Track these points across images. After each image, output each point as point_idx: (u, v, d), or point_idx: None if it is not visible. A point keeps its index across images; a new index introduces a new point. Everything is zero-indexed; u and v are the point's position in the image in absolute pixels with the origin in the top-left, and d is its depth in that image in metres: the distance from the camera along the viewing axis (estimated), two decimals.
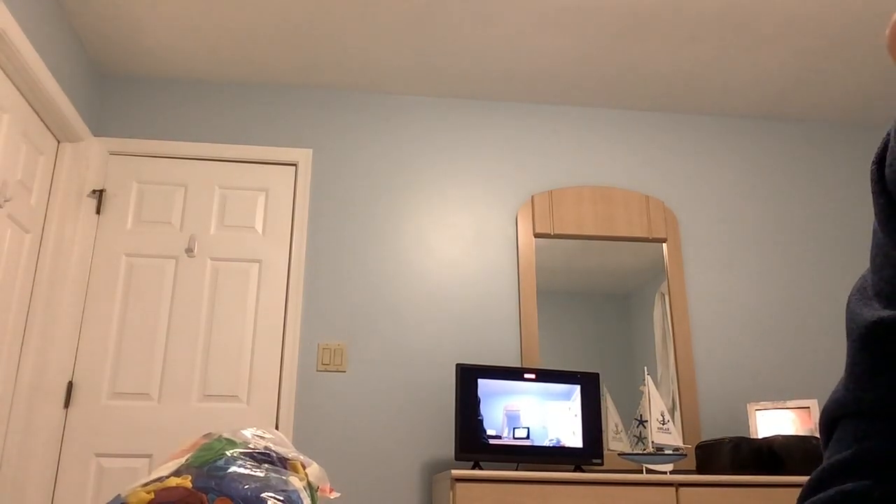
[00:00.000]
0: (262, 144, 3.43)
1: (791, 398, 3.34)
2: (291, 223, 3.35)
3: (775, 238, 3.63)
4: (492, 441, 2.82)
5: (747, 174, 3.72)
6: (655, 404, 2.92)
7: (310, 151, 3.44)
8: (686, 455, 2.84)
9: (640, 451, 2.86)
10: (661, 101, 3.67)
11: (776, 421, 3.08)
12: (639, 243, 3.51)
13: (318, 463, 2.93)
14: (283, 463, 1.02)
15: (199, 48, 3.26)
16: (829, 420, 0.54)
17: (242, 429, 1.08)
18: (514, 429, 2.86)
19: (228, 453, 0.99)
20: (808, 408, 3.05)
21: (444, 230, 3.42)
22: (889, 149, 0.52)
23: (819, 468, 0.52)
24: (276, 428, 3.08)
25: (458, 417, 2.82)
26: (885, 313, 0.50)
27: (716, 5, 2.97)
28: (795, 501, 0.54)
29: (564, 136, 3.65)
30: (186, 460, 0.98)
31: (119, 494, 0.93)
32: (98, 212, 3.25)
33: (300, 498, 0.95)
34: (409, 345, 3.24)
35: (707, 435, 3.25)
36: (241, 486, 0.93)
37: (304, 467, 1.05)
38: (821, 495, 0.49)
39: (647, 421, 2.91)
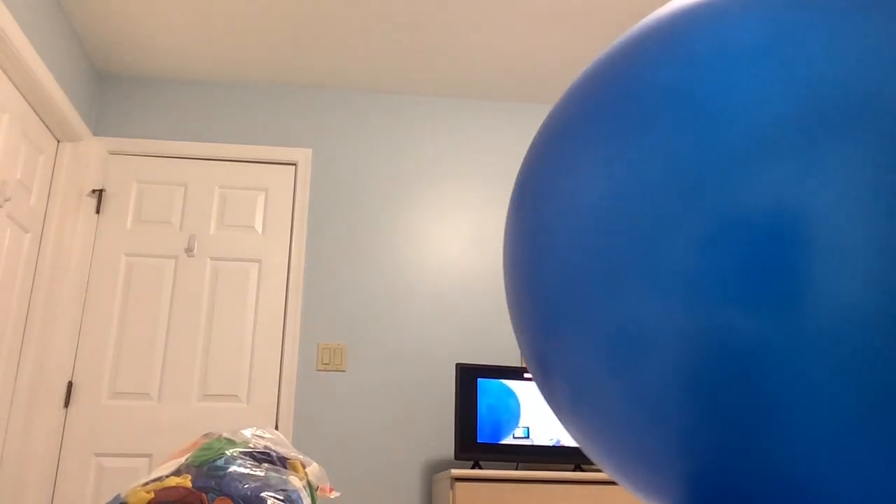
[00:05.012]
0: (262, 144, 3.43)
1: None
2: (291, 223, 3.35)
3: None
4: (492, 441, 2.82)
5: None
6: None
7: (310, 151, 3.44)
8: None
9: None
10: None
11: None
12: None
13: (317, 463, 2.93)
14: (282, 462, 1.03)
15: (199, 48, 3.26)
16: None
17: (242, 428, 1.08)
18: (513, 428, 2.86)
19: (228, 453, 0.99)
20: None
21: (443, 230, 3.42)
22: None
23: None
24: (276, 428, 3.09)
25: (458, 417, 2.82)
26: None
27: None
28: None
29: None
30: (186, 460, 0.98)
31: (119, 494, 0.93)
32: (98, 212, 3.25)
33: (300, 497, 0.96)
34: (409, 345, 3.24)
35: None
36: (240, 486, 0.93)
37: (303, 467, 1.05)
38: None
39: None
